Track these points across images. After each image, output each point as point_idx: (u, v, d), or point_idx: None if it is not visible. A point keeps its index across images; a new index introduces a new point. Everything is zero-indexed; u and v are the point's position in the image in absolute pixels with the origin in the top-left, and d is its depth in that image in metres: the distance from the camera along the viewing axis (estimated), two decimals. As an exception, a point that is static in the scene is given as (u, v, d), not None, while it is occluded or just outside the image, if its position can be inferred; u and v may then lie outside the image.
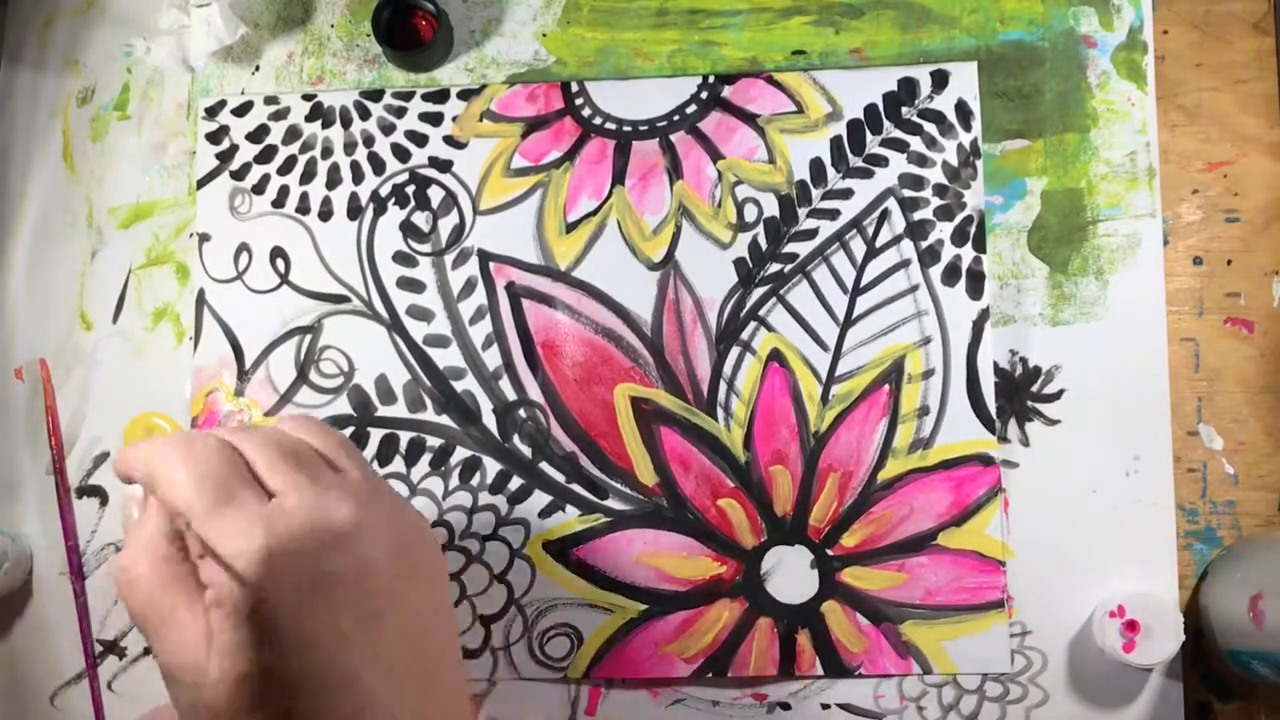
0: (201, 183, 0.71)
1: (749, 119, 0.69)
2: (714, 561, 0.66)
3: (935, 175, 0.68)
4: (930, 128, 0.68)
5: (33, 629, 0.69)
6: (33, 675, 0.68)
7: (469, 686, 0.66)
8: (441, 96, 0.70)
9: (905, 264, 0.67)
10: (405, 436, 0.68)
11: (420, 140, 0.70)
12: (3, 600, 0.68)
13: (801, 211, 0.68)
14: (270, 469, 0.47)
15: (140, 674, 0.68)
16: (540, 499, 0.67)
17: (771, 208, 0.68)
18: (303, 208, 0.70)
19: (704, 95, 0.69)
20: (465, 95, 0.70)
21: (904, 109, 0.68)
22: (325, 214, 0.70)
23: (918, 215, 0.67)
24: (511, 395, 0.68)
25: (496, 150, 0.69)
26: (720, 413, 0.67)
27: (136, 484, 0.50)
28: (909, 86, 0.69)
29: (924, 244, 0.67)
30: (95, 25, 0.73)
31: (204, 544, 0.45)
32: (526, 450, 0.67)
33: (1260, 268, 0.67)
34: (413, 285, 0.69)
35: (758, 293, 0.67)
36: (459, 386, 0.68)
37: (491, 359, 0.68)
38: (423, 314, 0.69)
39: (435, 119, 0.70)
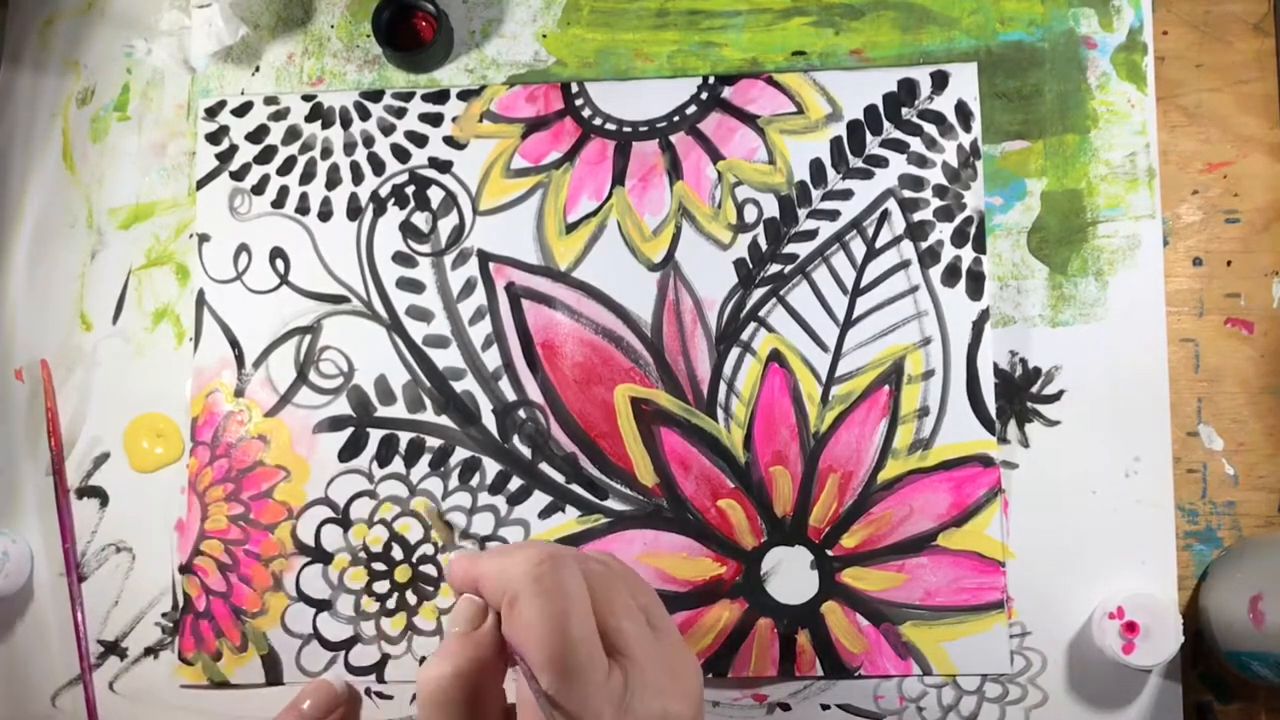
0: (201, 183, 0.71)
1: (749, 120, 0.69)
2: (714, 562, 0.66)
3: (935, 176, 0.68)
4: (930, 128, 0.68)
5: (33, 630, 0.69)
6: (33, 676, 0.68)
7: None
8: (441, 97, 0.70)
9: (905, 265, 0.67)
10: (405, 437, 0.68)
11: (420, 141, 0.70)
12: (3, 601, 0.68)
13: (801, 212, 0.68)
14: (620, 631, 0.48)
15: (141, 674, 0.68)
16: (540, 499, 0.67)
17: (771, 208, 0.68)
18: (302, 208, 0.70)
19: (704, 96, 0.69)
20: (465, 96, 0.70)
21: (904, 110, 0.68)
22: (325, 214, 0.70)
23: (918, 216, 0.67)
24: (511, 396, 0.68)
25: (496, 151, 0.69)
26: (720, 413, 0.67)
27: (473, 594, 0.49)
28: (909, 87, 0.69)
29: (924, 245, 0.67)
30: (95, 25, 0.73)
31: (546, 698, 0.45)
32: (526, 451, 0.67)
33: (1260, 268, 0.67)
34: (412, 286, 0.69)
35: (758, 293, 0.68)
36: (458, 387, 0.68)
37: (491, 359, 0.68)
38: (422, 314, 0.69)
39: (435, 119, 0.70)
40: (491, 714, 0.48)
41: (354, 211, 0.70)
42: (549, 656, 0.45)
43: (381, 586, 0.67)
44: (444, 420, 0.68)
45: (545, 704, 0.45)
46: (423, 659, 0.66)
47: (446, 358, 0.68)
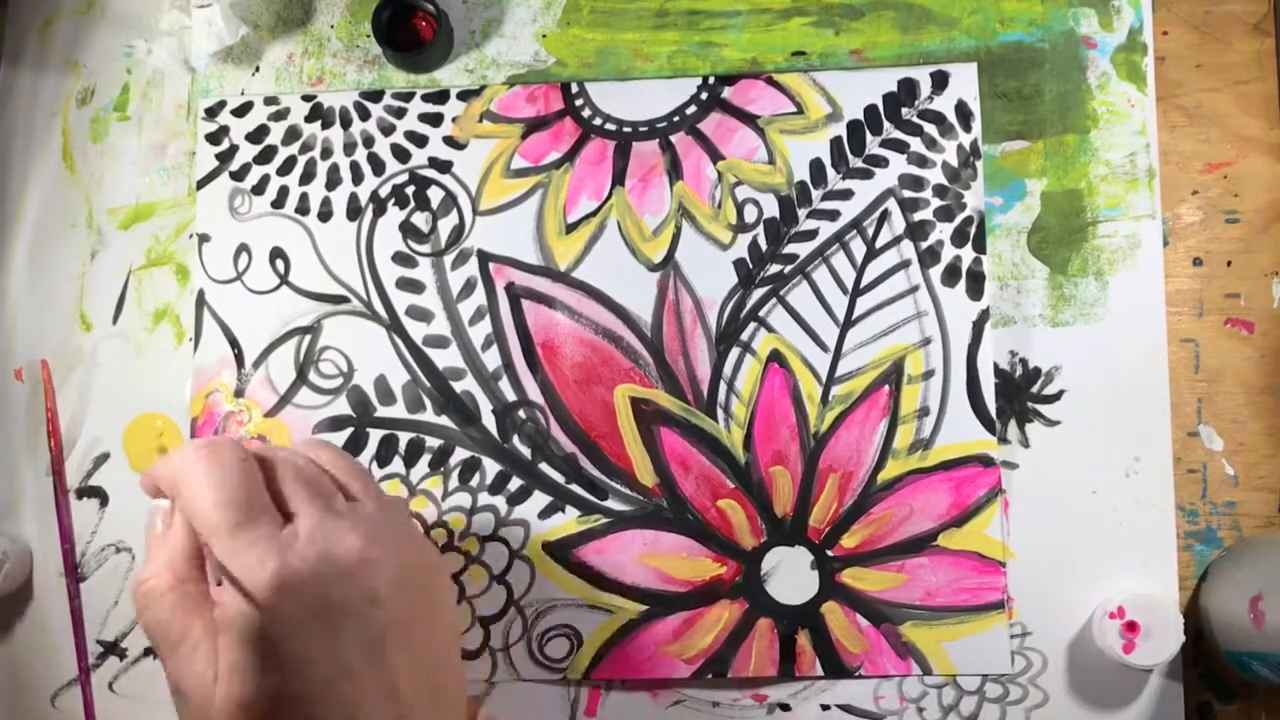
0: (201, 183, 0.71)
1: (749, 120, 0.69)
2: (714, 562, 0.66)
3: (935, 176, 0.68)
4: (930, 128, 0.68)
5: (33, 630, 0.69)
6: (33, 676, 0.68)
7: (469, 688, 0.66)
8: (441, 97, 0.70)
9: (905, 265, 0.67)
10: (404, 437, 0.68)
11: (420, 141, 0.70)
12: (3, 601, 0.68)
13: (801, 212, 0.68)
14: (289, 491, 0.49)
15: (141, 675, 0.68)
16: (540, 500, 0.67)
17: (771, 208, 0.68)
18: (302, 208, 0.70)
19: (704, 96, 0.69)
20: (465, 96, 0.70)
21: (904, 110, 0.68)
22: (325, 214, 0.70)
23: (918, 216, 0.67)
24: (511, 396, 0.68)
25: (496, 151, 0.69)
26: (720, 413, 0.67)
27: (163, 499, 0.50)
28: (909, 87, 0.69)
29: (924, 245, 0.67)
30: (95, 26, 0.73)
31: (217, 563, 0.46)
32: (526, 451, 0.67)
33: (1260, 269, 0.67)
34: (412, 286, 0.69)
35: (758, 293, 0.67)
36: (458, 387, 0.68)
37: (491, 360, 0.68)
38: (422, 314, 0.69)
39: (435, 120, 0.70)
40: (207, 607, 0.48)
41: (354, 212, 0.70)
42: (215, 518, 0.46)
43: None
44: (444, 420, 0.68)
45: (214, 565, 0.46)
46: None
47: (446, 358, 0.68)
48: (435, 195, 0.69)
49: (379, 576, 0.49)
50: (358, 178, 0.70)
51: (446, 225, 0.69)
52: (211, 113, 0.71)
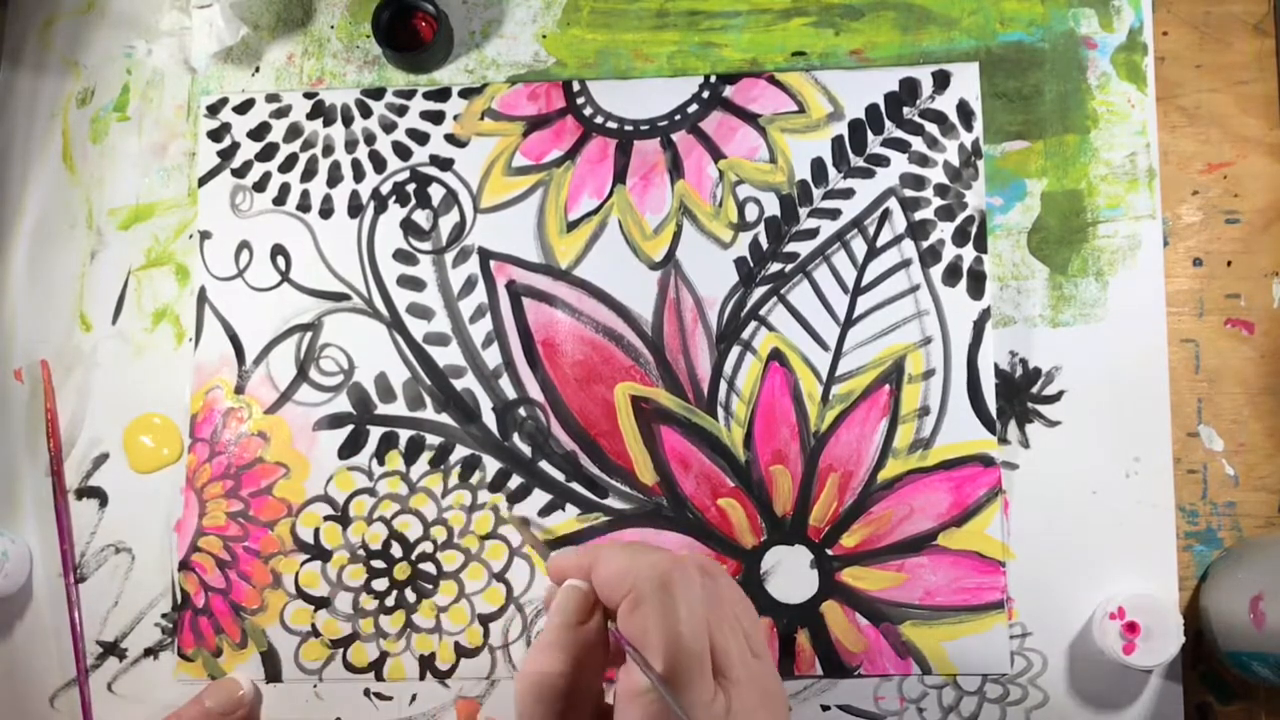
0: (203, 180, 0.71)
1: (750, 118, 0.69)
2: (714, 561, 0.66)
3: (936, 175, 0.68)
4: (932, 128, 0.68)
5: (32, 630, 0.68)
6: (33, 676, 0.68)
7: (469, 688, 0.66)
8: (443, 95, 0.70)
9: (906, 264, 0.67)
10: (405, 435, 0.68)
11: (421, 138, 0.70)
12: (2, 601, 0.68)
13: (802, 211, 0.68)
14: (729, 658, 0.47)
15: (141, 675, 0.67)
16: (540, 498, 0.67)
17: (773, 207, 0.68)
18: (304, 205, 0.70)
19: (705, 95, 0.69)
20: (467, 93, 0.70)
21: (905, 109, 0.68)
22: (326, 212, 0.70)
23: (919, 215, 0.68)
24: (511, 394, 0.68)
25: (498, 149, 0.70)
26: (720, 412, 0.67)
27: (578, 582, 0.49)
28: (911, 86, 0.69)
29: (925, 244, 0.67)
30: (95, 26, 0.73)
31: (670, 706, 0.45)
32: (526, 449, 0.67)
33: (1260, 269, 0.67)
34: (413, 283, 0.69)
35: (758, 292, 0.68)
36: (459, 385, 0.68)
37: (491, 357, 0.68)
38: (423, 312, 0.69)
39: (437, 117, 0.70)
40: (587, 708, 0.48)
41: (355, 209, 0.70)
42: (665, 667, 0.44)
43: (380, 584, 0.67)
44: (444, 418, 0.68)
45: (667, 691, 0.44)
46: (422, 657, 0.66)
47: (447, 355, 0.68)
48: (436, 193, 0.70)
49: None
50: (359, 175, 0.70)
51: (447, 223, 0.69)
52: (213, 110, 0.71)
